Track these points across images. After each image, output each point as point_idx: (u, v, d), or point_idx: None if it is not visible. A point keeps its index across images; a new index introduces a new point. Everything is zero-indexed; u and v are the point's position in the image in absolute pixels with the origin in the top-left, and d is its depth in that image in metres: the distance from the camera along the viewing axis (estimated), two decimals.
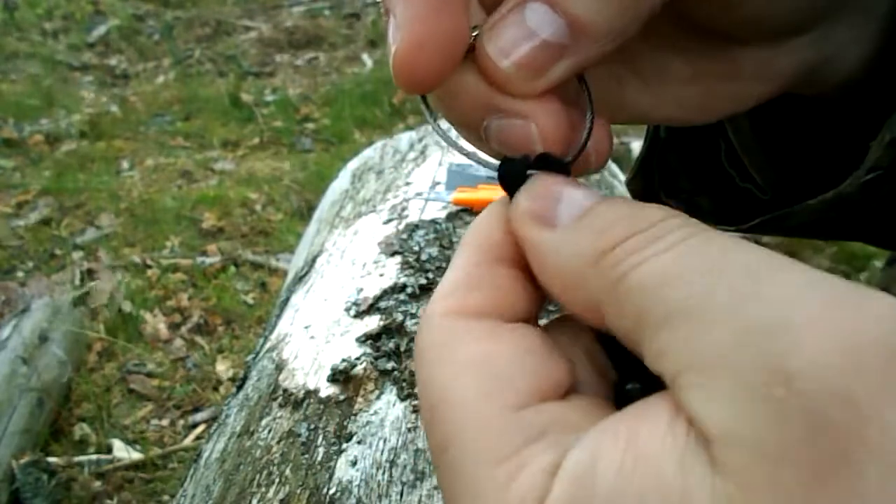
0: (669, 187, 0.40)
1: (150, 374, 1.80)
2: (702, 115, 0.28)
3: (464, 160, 0.92)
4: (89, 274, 2.13)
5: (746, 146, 0.35)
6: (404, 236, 0.75)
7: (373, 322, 0.63)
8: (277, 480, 0.51)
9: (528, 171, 0.23)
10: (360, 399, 0.56)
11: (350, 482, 0.49)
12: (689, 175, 0.40)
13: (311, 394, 0.58)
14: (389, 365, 0.58)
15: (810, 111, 0.33)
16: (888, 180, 0.28)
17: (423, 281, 0.66)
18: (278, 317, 0.75)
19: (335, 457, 0.51)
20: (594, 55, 0.23)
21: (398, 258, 0.71)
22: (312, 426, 0.55)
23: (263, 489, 0.51)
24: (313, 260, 0.82)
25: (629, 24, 0.22)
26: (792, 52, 0.26)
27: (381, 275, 0.69)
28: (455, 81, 0.23)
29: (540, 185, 0.22)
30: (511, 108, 0.23)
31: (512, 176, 0.23)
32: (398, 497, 0.48)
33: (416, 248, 0.71)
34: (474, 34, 0.23)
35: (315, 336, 0.65)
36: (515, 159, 0.23)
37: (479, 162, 0.25)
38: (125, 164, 2.84)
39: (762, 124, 0.34)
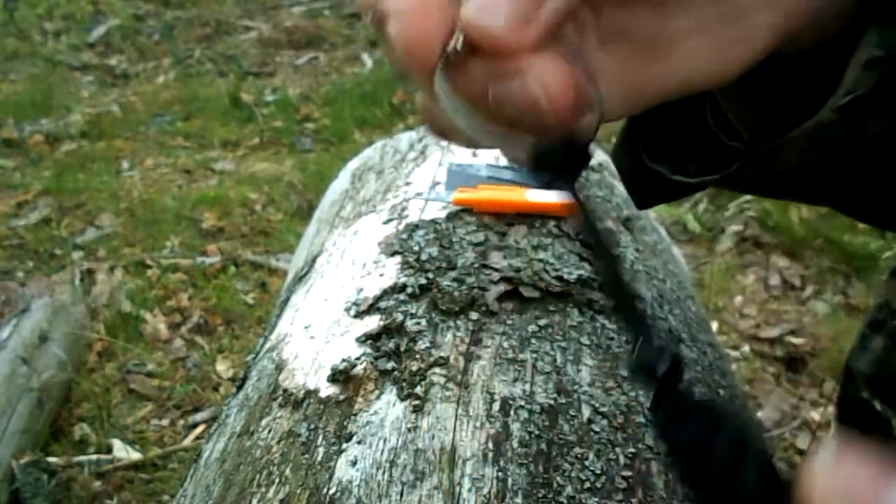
0: (653, 153, 0.40)
1: (150, 374, 1.80)
2: (722, 66, 0.27)
3: (464, 160, 0.92)
4: (89, 274, 2.13)
5: (732, 103, 0.35)
6: (404, 236, 0.75)
7: (373, 322, 0.63)
8: (277, 480, 0.51)
9: (559, 150, 0.23)
10: (360, 399, 0.56)
11: (350, 482, 0.49)
12: (674, 143, 0.39)
13: (311, 394, 0.58)
14: (389, 365, 0.58)
15: (797, 68, 0.32)
16: (870, 109, 0.27)
17: (423, 281, 0.66)
18: (278, 317, 0.75)
19: (335, 457, 0.51)
20: None
21: (398, 258, 0.71)
22: (312, 426, 0.55)
23: (263, 489, 0.51)
24: (313, 260, 0.82)
25: None
26: None
27: (381, 275, 0.69)
28: (453, 68, 0.23)
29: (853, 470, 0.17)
30: (506, 69, 0.22)
31: (549, 161, 0.23)
32: (398, 497, 0.48)
33: (416, 248, 0.71)
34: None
35: (315, 336, 0.65)
36: (546, 147, 0.23)
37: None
38: (125, 164, 2.84)
39: (748, 82, 0.33)
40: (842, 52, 0.29)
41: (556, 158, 0.23)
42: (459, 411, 0.54)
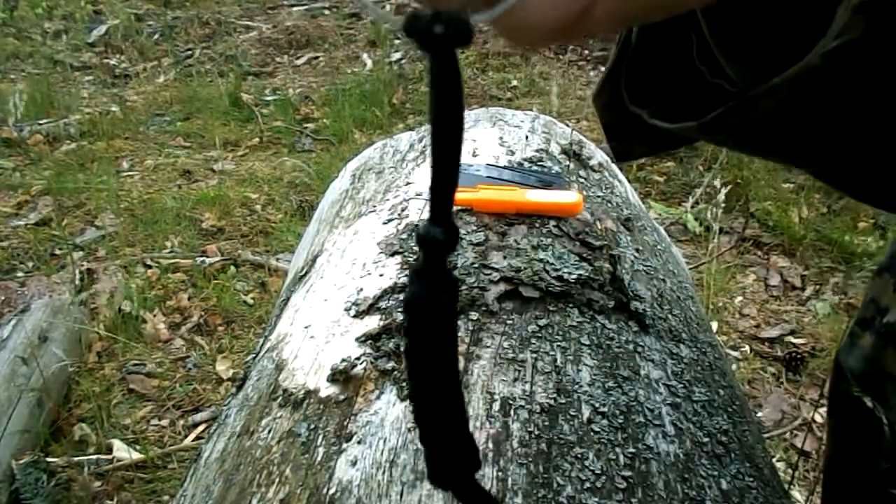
0: (636, 96, 0.39)
1: (150, 374, 1.80)
2: None
3: (464, 160, 0.92)
4: (89, 274, 2.13)
5: (720, 37, 0.33)
6: (404, 236, 0.75)
7: (373, 322, 0.63)
8: (277, 480, 0.51)
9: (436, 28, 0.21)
10: (360, 399, 0.56)
11: (350, 482, 0.49)
12: (657, 84, 0.38)
13: (311, 394, 0.58)
14: (389, 365, 0.58)
15: (783, 13, 0.31)
16: (858, 55, 0.26)
17: None
18: (278, 317, 0.75)
19: (335, 457, 0.51)
20: None
21: (398, 258, 0.71)
22: (312, 426, 0.55)
23: (263, 489, 0.51)
24: (313, 260, 0.82)
25: None
26: None
27: (381, 275, 0.69)
28: None
29: None
30: None
31: (420, 33, 0.21)
32: (398, 497, 0.48)
33: (416, 248, 0.71)
34: None
35: (315, 336, 0.65)
36: (420, 16, 0.21)
37: (383, 19, 0.24)
38: (125, 164, 2.84)
39: (735, 17, 0.32)
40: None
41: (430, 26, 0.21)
42: None
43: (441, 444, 0.24)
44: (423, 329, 0.24)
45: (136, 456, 1.54)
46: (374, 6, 0.24)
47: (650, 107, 0.38)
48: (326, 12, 4.40)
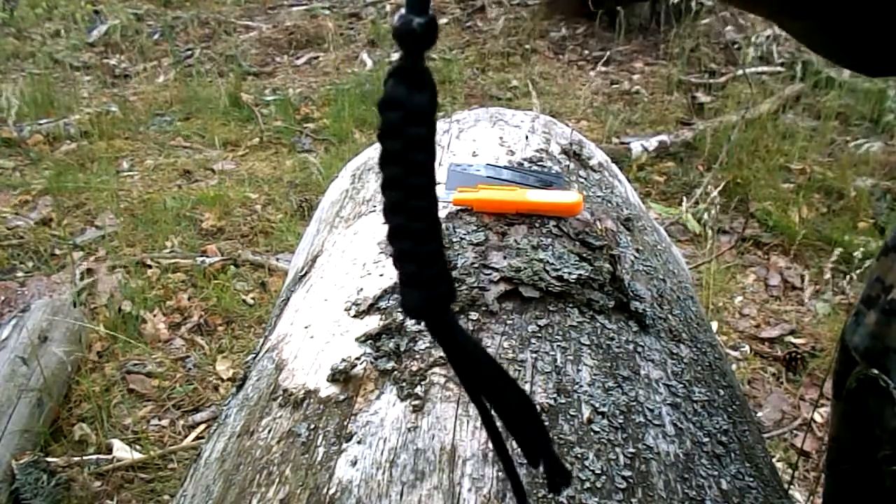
0: None
1: (150, 374, 1.80)
2: None
3: (464, 160, 0.92)
4: (89, 274, 2.13)
5: None
6: None
7: (373, 322, 0.63)
8: (277, 480, 0.51)
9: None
10: (360, 399, 0.56)
11: (350, 482, 0.49)
12: None
13: (311, 394, 0.58)
14: (389, 365, 0.58)
15: None
16: None
17: None
18: (278, 317, 0.75)
19: (335, 457, 0.51)
20: None
21: None
22: (312, 426, 0.55)
23: (263, 489, 0.51)
24: (313, 260, 0.82)
25: None
26: None
27: (381, 275, 0.69)
28: None
29: None
30: None
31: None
32: (398, 497, 0.48)
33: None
34: None
35: (315, 336, 0.65)
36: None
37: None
38: (125, 164, 2.84)
39: None
40: None
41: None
42: (459, 411, 0.54)
43: (414, 272, 0.22)
44: (400, 132, 0.22)
45: (136, 456, 1.54)
46: None
47: None
48: (326, 12, 4.40)
